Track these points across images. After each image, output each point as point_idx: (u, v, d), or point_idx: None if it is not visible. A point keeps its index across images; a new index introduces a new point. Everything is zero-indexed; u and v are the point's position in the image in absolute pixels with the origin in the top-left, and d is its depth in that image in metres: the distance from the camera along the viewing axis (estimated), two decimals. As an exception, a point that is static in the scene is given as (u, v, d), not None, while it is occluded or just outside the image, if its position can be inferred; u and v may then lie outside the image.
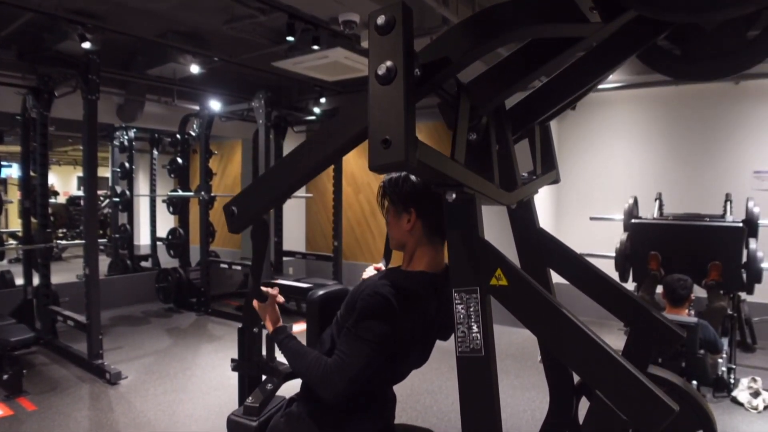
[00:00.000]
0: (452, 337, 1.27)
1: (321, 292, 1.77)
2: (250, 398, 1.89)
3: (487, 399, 1.19)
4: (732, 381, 3.97)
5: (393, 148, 0.96)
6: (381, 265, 1.82)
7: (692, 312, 4.00)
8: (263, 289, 1.62)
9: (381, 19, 1.00)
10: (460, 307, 1.21)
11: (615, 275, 4.60)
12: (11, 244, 9.28)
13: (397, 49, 0.99)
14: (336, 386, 1.35)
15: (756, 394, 3.79)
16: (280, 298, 1.65)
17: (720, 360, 3.82)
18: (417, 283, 1.45)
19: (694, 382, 3.65)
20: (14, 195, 9.51)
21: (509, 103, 1.60)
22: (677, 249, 4.42)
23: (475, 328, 1.20)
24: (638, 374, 1.05)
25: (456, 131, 1.22)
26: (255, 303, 1.63)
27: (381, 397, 1.58)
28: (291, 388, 1.73)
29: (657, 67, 1.60)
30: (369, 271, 1.75)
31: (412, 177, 1.47)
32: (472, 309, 1.20)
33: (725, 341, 4.00)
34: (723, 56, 1.46)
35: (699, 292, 4.22)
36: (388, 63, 0.99)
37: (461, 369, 1.21)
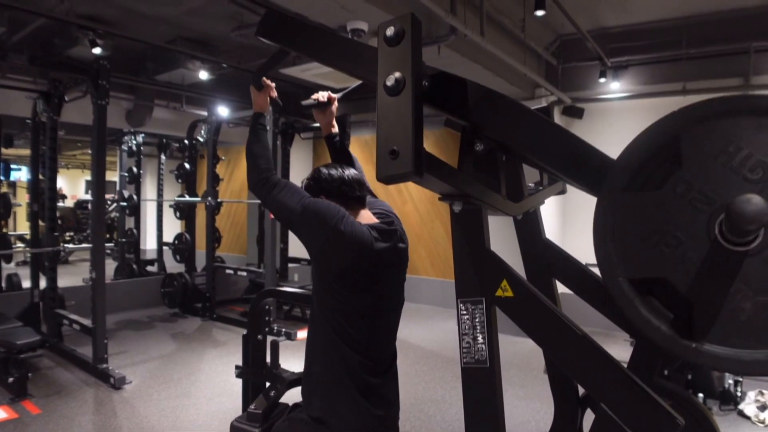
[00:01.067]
0: (456, 344, 1.27)
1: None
2: (254, 405, 1.90)
3: (492, 410, 1.19)
4: (739, 394, 3.93)
5: (400, 159, 0.97)
6: (335, 96, 1.87)
7: (699, 324, 3.98)
8: (264, 79, 1.75)
9: (390, 31, 1.01)
10: (465, 317, 1.21)
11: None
12: (19, 247, 9.35)
13: (406, 60, 1.00)
14: (261, 189, 1.55)
15: (763, 407, 3.75)
16: (274, 92, 1.79)
17: (726, 373, 3.79)
18: (362, 225, 1.54)
19: (701, 395, 3.63)
20: (23, 198, 9.60)
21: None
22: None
23: (480, 339, 1.19)
24: (644, 387, 1.05)
25: (463, 143, 1.23)
26: (252, 88, 1.75)
27: (379, 385, 1.57)
28: (294, 395, 1.73)
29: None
30: (320, 94, 1.84)
31: (313, 174, 1.64)
32: (477, 320, 1.20)
33: (732, 354, 3.96)
34: None
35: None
36: (397, 74, 1.00)
37: (466, 380, 1.21)
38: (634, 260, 0.98)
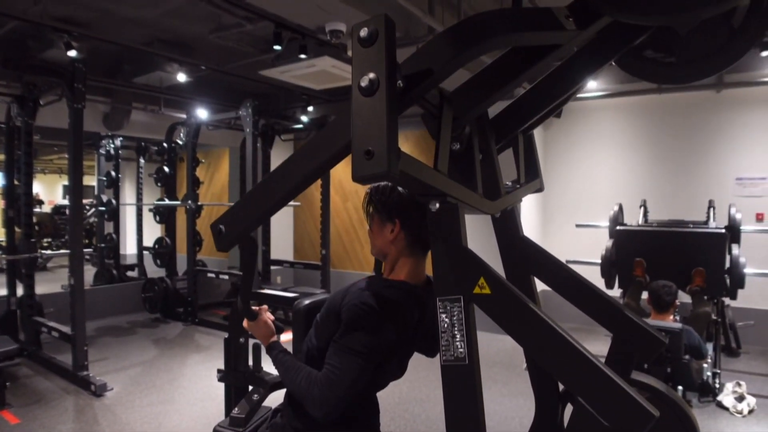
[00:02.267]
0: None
1: (307, 302, 1.77)
2: (236, 409, 1.89)
3: (472, 406, 1.20)
4: (717, 386, 4.01)
5: (375, 159, 0.97)
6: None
7: (677, 318, 4.05)
8: (252, 307, 1.63)
9: (364, 32, 1.02)
10: (443, 315, 1.22)
11: (601, 282, 4.64)
12: (-5, 254, 9.14)
13: (380, 61, 1.00)
14: (329, 404, 1.34)
15: (741, 398, 3.83)
16: (270, 315, 1.65)
17: (705, 365, 3.87)
18: (398, 291, 1.46)
19: (680, 388, 3.69)
20: (-2, 204, 9.39)
21: (492, 112, 1.61)
22: (662, 255, 4.47)
23: (458, 337, 1.20)
24: (618, 380, 1.07)
25: (439, 141, 1.24)
26: (245, 322, 1.63)
27: (365, 406, 1.58)
28: (277, 398, 1.72)
29: (644, 75, 1.64)
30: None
31: (400, 188, 1.48)
32: (455, 318, 1.21)
33: (710, 346, 4.04)
34: (703, 58, 1.49)
35: (684, 297, 4.27)
36: (371, 75, 1.00)
37: (446, 377, 1.22)
38: None
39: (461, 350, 1.20)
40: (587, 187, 6.52)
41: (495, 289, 1.19)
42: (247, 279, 1.61)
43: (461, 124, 1.41)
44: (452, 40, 1.15)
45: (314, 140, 1.37)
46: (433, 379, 4.48)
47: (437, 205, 1.23)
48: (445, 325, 1.22)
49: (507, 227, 1.78)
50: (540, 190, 1.95)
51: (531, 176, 1.91)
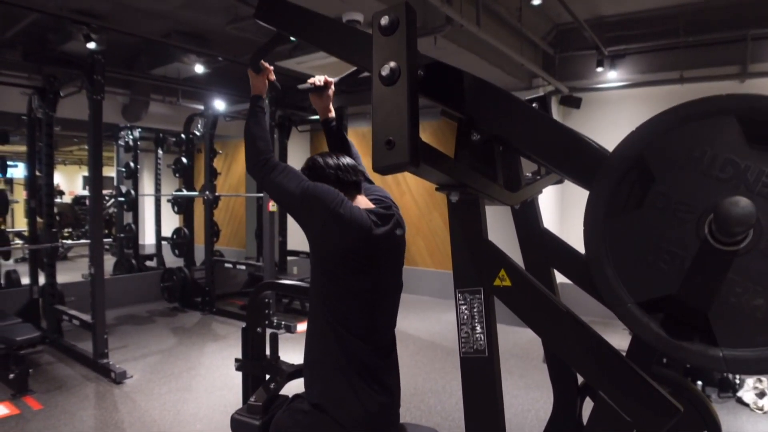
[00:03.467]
0: (456, 335, 1.27)
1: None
2: (254, 397, 1.91)
3: (491, 399, 1.20)
4: (737, 381, 3.95)
5: (397, 149, 0.96)
6: (333, 80, 1.83)
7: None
8: (262, 62, 1.73)
9: (385, 20, 1.00)
10: (463, 307, 1.21)
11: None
12: (17, 243, 9.33)
13: (401, 49, 0.99)
14: (260, 169, 1.56)
15: (761, 394, 3.77)
16: (272, 75, 1.78)
17: (725, 360, 3.81)
18: (361, 209, 1.56)
19: (699, 383, 3.64)
20: (20, 195, 9.57)
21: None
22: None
23: (478, 329, 1.20)
24: (642, 374, 1.05)
25: (459, 133, 1.22)
26: (250, 71, 1.73)
27: (378, 370, 1.58)
28: (294, 387, 1.73)
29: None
30: (318, 78, 1.82)
31: (307, 163, 1.65)
32: (475, 309, 1.20)
33: (731, 341, 3.98)
34: None
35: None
36: (392, 64, 0.99)
37: (465, 369, 1.22)
38: (637, 283, 0.98)
39: (481, 342, 1.19)
40: (606, 178, 6.43)
41: (516, 281, 1.17)
42: (268, 44, 1.72)
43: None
44: (478, 96, 1.20)
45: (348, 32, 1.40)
46: (450, 370, 4.48)
47: (458, 196, 1.22)
48: (465, 317, 1.21)
49: (527, 219, 1.76)
50: (561, 181, 1.92)
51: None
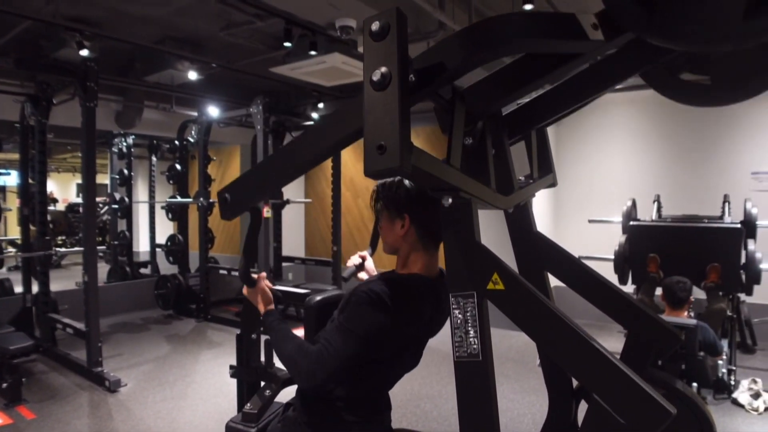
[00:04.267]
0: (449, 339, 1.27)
1: (318, 298, 1.76)
2: (249, 405, 1.90)
3: (485, 403, 1.19)
4: (732, 383, 3.96)
5: (388, 154, 0.96)
6: (366, 253, 1.85)
7: (692, 314, 4.00)
8: (251, 274, 1.65)
9: (375, 26, 1.01)
10: (456, 311, 1.21)
11: (614, 278, 4.60)
12: (10, 251, 9.27)
13: (392, 55, 0.99)
14: (315, 377, 1.34)
15: (756, 395, 3.78)
16: (268, 283, 1.67)
17: (720, 362, 3.82)
18: (412, 283, 1.45)
19: (695, 385, 3.65)
20: (13, 203, 9.52)
21: (506, 108, 1.60)
22: (676, 251, 4.42)
23: (472, 333, 1.19)
24: (635, 377, 1.05)
25: (451, 136, 1.23)
26: (245, 289, 1.66)
27: (377, 401, 1.58)
28: (289, 393, 1.73)
29: (679, 97, 1.57)
30: (354, 259, 1.80)
31: (406, 182, 1.47)
32: (468, 314, 1.20)
33: (725, 343, 3.99)
34: (740, 81, 1.40)
35: (699, 294, 4.22)
36: (383, 69, 0.99)
37: (459, 374, 1.21)
38: None
39: (474, 346, 1.19)
40: (600, 181, 6.46)
41: (509, 285, 1.17)
42: (249, 247, 1.65)
43: (474, 120, 1.40)
44: (467, 42, 1.13)
45: (326, 120, 1.37)
46: (445, 375, 4.47)
47: (450, 200, 1.22)
48: (459, 321, 1.21)
49: (520, 222, 1.77)
50: (553, 184, 1.93)
51: (544, 171, 1.89)
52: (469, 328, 1.20)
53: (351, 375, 1.43)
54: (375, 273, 1.81)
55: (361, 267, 1.85)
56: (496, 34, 1.12)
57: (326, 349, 1.34)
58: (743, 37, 0.95)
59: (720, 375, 3.84)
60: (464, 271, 1.22)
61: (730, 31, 0.95)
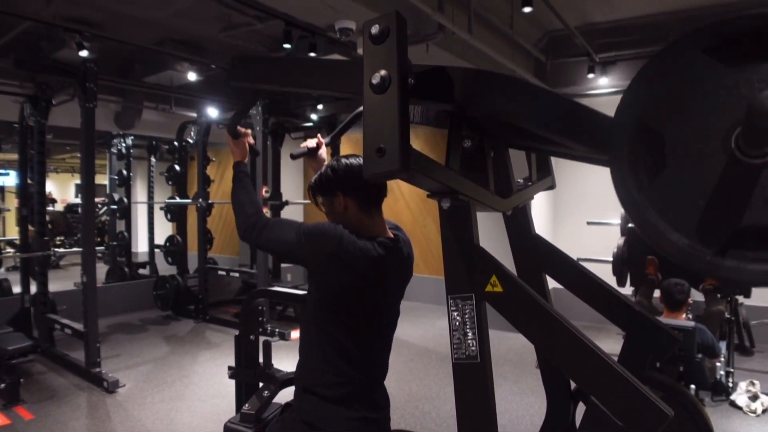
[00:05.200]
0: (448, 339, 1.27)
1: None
2: (247, 405, 1.90)
3: (484, 405, 1.20)
4: (730, 385, 3.97)
5: (387, 157, 0.97)
6: (324, 140, 1.83)
7: (690, 316, 4.01)
8: (239, 128, 1.77)
9: (375, 29, 1.01)
10: (455, 313, 1.22)
11: (612, 280, 4.61)
12: (9, 252, 9.27)
13: (391, 58, 1.00)
14: (251, 233, 1.51)
15: (754, 397, 3.79)
16: (251, 139, 1.80)
17: (718, 364, 3.83)
18: (368, 243, 1.49)
19: (693, 387, 3.66)
20: (12, 203, 9.52)
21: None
22: (674, 253, 4.42)
23: (470, 335, 1.20)
24: (632, 379, 1.06)
25: (451, 140, 1.23)
26: (228, 138, 1.77)
27: (375, 397, 1.57)
28: (287, 394, 1.73)
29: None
30: (310, 142, 1.81)
31: (331, 165, 1.55)
32: (467, 316, 1.21)
33: (723, 345, 4.00)
34: None
35: (697, 296, 4.23)
36: (382, 72, 1.00)
37: (457, 375, 1.22)
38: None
39: (473, 348, 1.19)
40: (599, 183, 6.46)
41: (507, 287, 1.18)
42: (242, 107, 1.85)
43: (474, 124, 1.40)
44: (472, 86, 1.18)
45: (338, 65, 1.41)
46: (444, 376, 4.47)
47: (449, 202, 1.23)
48: (457, 323, 1.22)
49: (519, 225, 1.77)
50: (552, 187, 1.94)
51: (543, 173, 1.90)
52: (468, 330, 1.20)
53: (337, 343, 1.48)
54: (325, 162, 1.83)
55: (314, 152, 1.81)
56: (499, 97, 1.15)
57: (275, 225, 1.51)
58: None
59: (718, 377, 3.84)
60: (463, 273, 1.23)
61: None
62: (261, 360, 2.34)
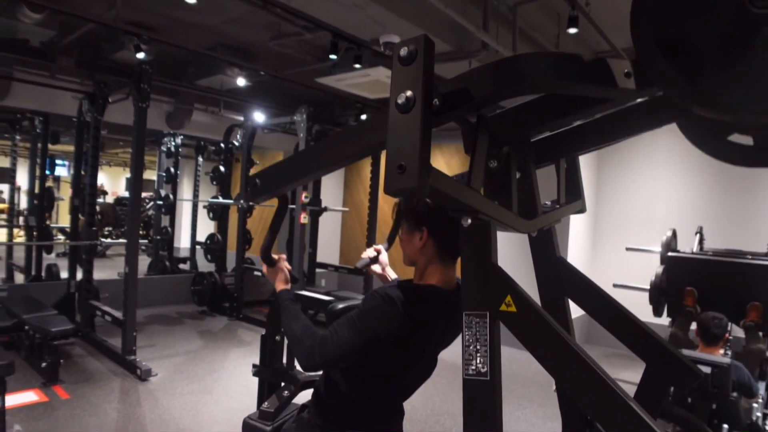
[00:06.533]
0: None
1: (341, 305, 1.82)
2: (266, 403, 1.96)
3: (491, 423, 1.21)
4: (767, 427, 3.79)
5: (407, 174, 1.00)
6: (381, 247, 1.88)
7: (728, 353, 3.86)
8: (273, 254, 1.74)
9: (404, 51, 1.05)
10: (468, 330, 1.23)
11: (649, 309, 4.48)
12: (60, 238, 9.70)
13: (417, 79, 1.04)
14: (313, 357, 1.40)
15: (792, 443, 3.61)
16: (287, 264, 1.75)
17: (755, 405, 3.67)
18: (426, 293, 1.48)
19: (725, 426, 3.52)
20: (66, 193, 9.97)
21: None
22: (715, 286, 4.28)
23: (482, 352, 1.21)
24: (642, 414, 1.04)
25: (473, 159, 1.26)
26: (264, 268, 1.74)
27: (390, 407, 1.60)
28: (307, 396, 1.77)
29: (732, 160, 1.48)
30: (369, 251, 1.83)
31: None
32: (480, 333, 1.22)
33: (762, 385, 3.83)
34: None
35: (738, 332, 4.08)
36: (408, 93, 1.03)
37: (467, 392, 1.23)
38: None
39: (484, 366, 1.21)
40: (640, 210, 6.31)
41: (521, 308, 1.19)
42: (272, 230, 1.74)
43: (500, 144, 1.42)
44: (492, 76, 1.15)
45: (356, 128, 1.43)
46: (467, 393, 4.44)
47: (469, 220, 1.25)
48: (470, 339, 1.23)
49: (543, 247, 1.77)
50: (582, 211, 1.92)
51: (573, 197, 1.88)
52: (479, 347, 1.22)
53: (364, 381, 1.48)
54: (389, 267, 1.88)
55: (375, 260, 1.87)
56: (521, 73, 1.14)
57: (332, 336, 1.39)
58: None
59: (754, 419, 3.68)
60: (479, 290, 1.24)
61: None
62: (285, 360, 2.40)
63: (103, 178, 13.69)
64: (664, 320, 4.57)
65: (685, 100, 1.02)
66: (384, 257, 1.88)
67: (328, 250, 8.67)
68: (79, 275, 5.58)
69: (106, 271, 8.01)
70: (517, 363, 4.23)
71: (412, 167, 1.00)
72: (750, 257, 4.43)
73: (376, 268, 1.88)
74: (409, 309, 1.40)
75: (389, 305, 1.39)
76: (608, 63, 1.14)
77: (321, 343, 1.39)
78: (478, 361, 1.22)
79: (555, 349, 1.15)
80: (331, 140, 1.49)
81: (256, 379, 2.56)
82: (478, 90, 1.14)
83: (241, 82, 5.73)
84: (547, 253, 1.77)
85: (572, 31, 3.81)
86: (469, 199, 1.18)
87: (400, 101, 1.04)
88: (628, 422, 1.06)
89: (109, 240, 10.52)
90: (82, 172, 5.74)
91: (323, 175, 1.60)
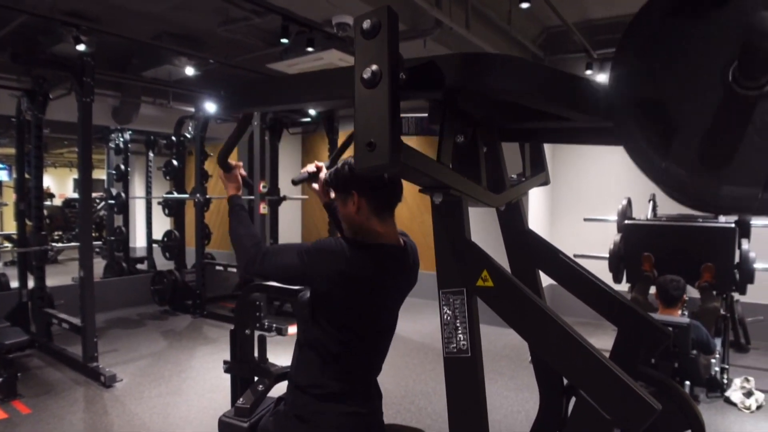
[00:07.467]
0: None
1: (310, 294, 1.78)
2: (241, 399, 1.91)
3: (474, 399, 1.21)
4: (725, 381, 3.99)
5: (377, 151, 0.97)
6: (322, 164, 1.85)
7: (686, 313, 4.02)
8: (229, 161, 1.76)
9: (366, 24, 1.01)
10: (446, 308, 1.22)
11: (608, 276, 4.62)
12: (6, 246, 9.27)
13: (382, 53, 1.00)
14: (253, 266, 1.48)
15: (749, 393, 3.81)
16: (243, 171, 1.78)
17: (713, 360, 3.84)
18: (373, 249, 1.51)
19: (687, 383, 3.67)
20: (9, 197, 9.50)
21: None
22: (670, 250, 4.43)
23: (461, 330, 1.21)
24: (620, 373, 1.06)
25: (443, 134, 1.23)
26: (220, 173, 1.76)
27: (368, 389, 1.58)
28: (283, 388, 1.74)
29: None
30: (309, 167, 1.82)
31: (349, 163, 1.53)
32: (458, 310, 1.21)
33: (718, 342, 4.01)
34: None
35: (693, 293, 4.24)
36: (374, 67, 1.00)
37: (448, 370, 1.23)
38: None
39: (464, 343, 1.20)
40: (596, 180, 6.48)
41: (498, 282, 1.19)
42: (231, 139, 1.80)
43: (467, 119, 1.40)
44: (464, 69, 1.16)
45: (326, 75, 1.41)
46: (439, 372, 4.48)
47: (441, 197, 1.23)
48: (448, 318, 1.22)
49: (512, 220, 1.78)
50: (546, 183, 1.94)
51: (537, 169, 1.90)
52: (458, 325, 1.21)
53: (333, 357, 1.50)
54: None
55: (314, 176, 1.83)
56: (493, 75, 1.14)
57: (275, 254, 1.48)
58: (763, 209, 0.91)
59: (713, 373, 3.86)
60: (454, 267, 1.23)
61: (752, 204, 0.90)
62: (256, 354, 2.35)
63: (49, 181, 13.11)
64: (624, 286, 4.72)
65: (648, 176, 0.98)
66: (323, 175, 1.84)
67: (290, 240, 8.57)
68: (31, 283, 5.33)
69: (59, 277, 7.69)
70: (486, 338, 4.36)
71: (382, 144, 0.97)
72: (701, 220, 4.60)
73: (315, 185, 1.86)
74: (353, 254, 1.45)
75: (337, 246, 1.45)
76: (590, 84, 1.13)
77: (263, 256, 1.47)
78: (458, 339, 1.21)
79: (534, 320, 1.16)
80: (298, 79, 1.47)
81: (226, 376, 2.50)
82: (448, 77, 1.13)
83: (189, 71, 5.53)
84: (515, 226, 1.78)
85: (525, 5, 3.83)
86: (440, 175, 1.16)
87: (365, 76, 1.00)
88: (610, 383, 1.07)
89: (60, 244, 10.09)
90: (26, 175, 5.46)
91: (279, 107, 1.61)
